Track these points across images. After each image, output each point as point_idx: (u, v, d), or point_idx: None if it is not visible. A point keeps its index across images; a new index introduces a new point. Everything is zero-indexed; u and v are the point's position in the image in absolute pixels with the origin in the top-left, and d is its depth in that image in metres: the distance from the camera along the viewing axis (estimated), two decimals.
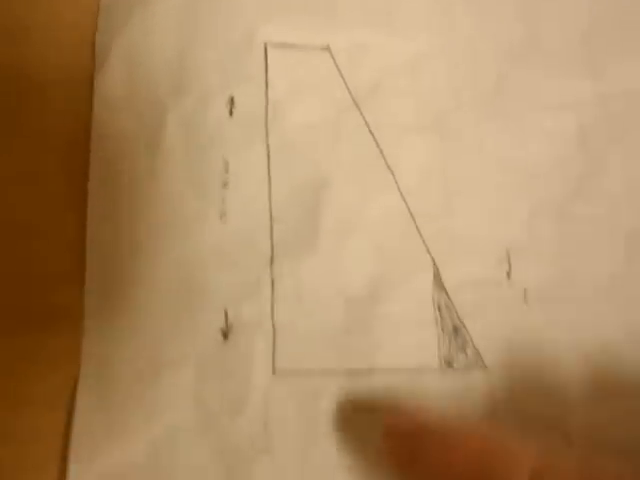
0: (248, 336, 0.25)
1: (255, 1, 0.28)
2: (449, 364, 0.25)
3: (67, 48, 0.27)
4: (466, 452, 0.21)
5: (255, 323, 0.25)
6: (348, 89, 0.27)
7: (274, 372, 0.25)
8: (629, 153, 0.28)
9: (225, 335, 0.25)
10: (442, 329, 0.26)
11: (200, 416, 0.24)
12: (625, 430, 0.25)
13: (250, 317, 0.25)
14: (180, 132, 0.26)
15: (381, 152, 0.27)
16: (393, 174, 0.27)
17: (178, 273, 0.25)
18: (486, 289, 0.26)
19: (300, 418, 0.24)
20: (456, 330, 0.26)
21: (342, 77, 0.27)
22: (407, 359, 0.25)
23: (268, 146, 0.27)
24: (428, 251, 0.26)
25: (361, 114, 0.27)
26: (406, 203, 0.27)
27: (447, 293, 0.26)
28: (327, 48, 0.28)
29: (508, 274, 0.26)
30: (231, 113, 0.27)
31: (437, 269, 0.26)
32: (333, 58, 0.28)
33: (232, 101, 0.27)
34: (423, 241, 0.26)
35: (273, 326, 0.25)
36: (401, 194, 0.27)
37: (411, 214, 0.27)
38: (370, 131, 0.27)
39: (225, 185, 0.26)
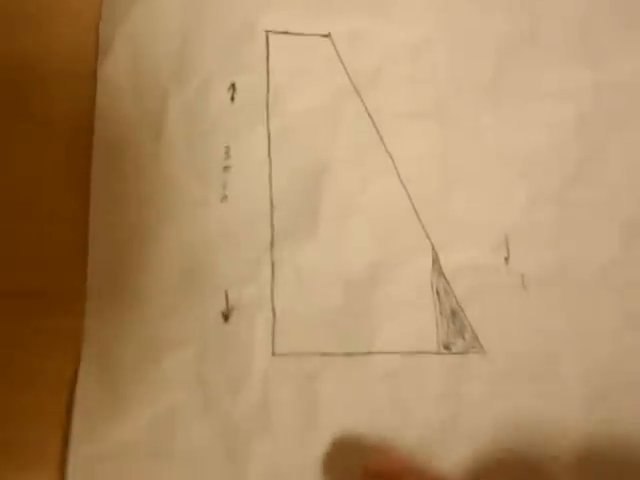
0: (248, 318, 0.25)
1: None
2: (447, 348, 0.26)
3: (71, 36, 0.27)
4: None
5: (255, 306, 0.25)
6: (348, 76, 0.28)
7: (274, 354, 0.25)
8: (627, 140, 0.28)
9: (226, 317, 0.25)
10: (440, 313, 0.26)
11: (200, 397, 0.24)
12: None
13: (250, 300, 0.25)
14: (182, 118, 0.27)
15: (381, 138, 0.27)
16: (393, 160, 0.27)
17: (179, 256, 0.25)
18: (485, 274, 0.26)
19: (299, 399, 0.25)
20: (454, 314, 0.26)
21: (342, 64, 0.28)
22: (405, 343, 0.26)
23: (269, 132, 0.27)
24: (427, 236, 0.27)
25: (361, 100, 0.28)
26: (405, 189, 0.27)
27: (446, 278, 0.26)
28: (328, 35, 0.28)
29: (506, 259, 0.27)
30: (233, 99, 0.27)
31: (436, 254, 0.26)
32: (334, 45, 0.28)
33: (234, 87, 0.27)
34: (422, 226, 0.27)
35: (273, 309, 0.25)
36: (400, 180, 0.27)
37: (410, 199, 0.27)
38: (370, 117, 0.27)
39: (226, 170, 0.26)
